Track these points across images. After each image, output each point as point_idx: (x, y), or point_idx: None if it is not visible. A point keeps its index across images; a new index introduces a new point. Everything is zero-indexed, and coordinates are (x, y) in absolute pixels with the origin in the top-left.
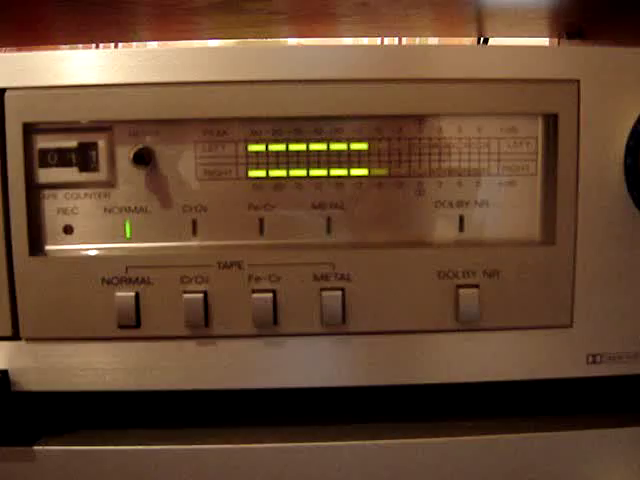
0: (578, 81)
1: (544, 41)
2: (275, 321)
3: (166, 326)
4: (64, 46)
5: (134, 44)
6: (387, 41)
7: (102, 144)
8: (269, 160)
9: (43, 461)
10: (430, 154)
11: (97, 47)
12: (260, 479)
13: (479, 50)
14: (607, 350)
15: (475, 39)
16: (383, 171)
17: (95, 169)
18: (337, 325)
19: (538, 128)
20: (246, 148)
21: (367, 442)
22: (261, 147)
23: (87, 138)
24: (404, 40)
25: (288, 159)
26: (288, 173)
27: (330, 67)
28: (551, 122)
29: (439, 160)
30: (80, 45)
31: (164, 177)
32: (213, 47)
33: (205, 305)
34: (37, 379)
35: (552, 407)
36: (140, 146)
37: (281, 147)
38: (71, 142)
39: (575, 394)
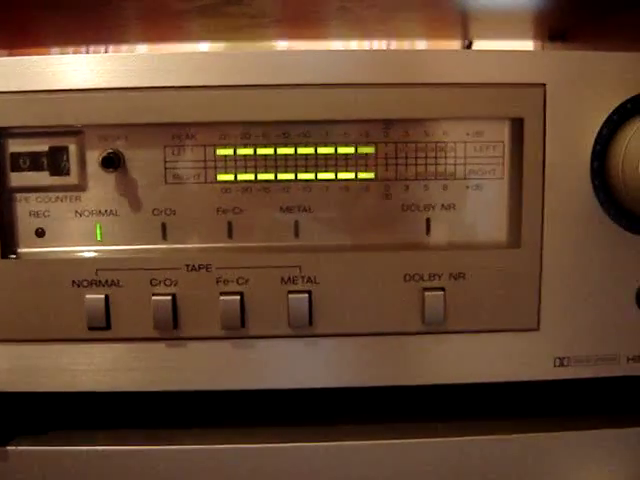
0: (544, 85)
1: (529, 44)
2: (243, 323)
3: (136, 328)
4: (55, 49)
5: (124, 48)
6: (376, 45)
7: (73, 148)
8: (237, 164)
9: (16, 461)
10: (397, 158)
11: (88, 50)
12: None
13: (445, 55)
14: (574, 353)
15: (461, 42)
16: (350, 175)
17: (66, 173)
18: (304, 327)
19: (505, 132)
20: (214, 152)
21: (348, 443)
22: (229, 151)
23: (58, 142)
24: (393, 44)
25: (256, 163)
26: (256, 177)
27: (296, 72)
28: (517, 126)
29: (405, 164)
30: (71, 49)
31: (134, 181)
32: (181, 53)
33: (174, 307)
34: (8, 380)
35: (525, 408)
36: (108, 150)
37: (249, 151)
38: (42, 146)
39: (550, 395)
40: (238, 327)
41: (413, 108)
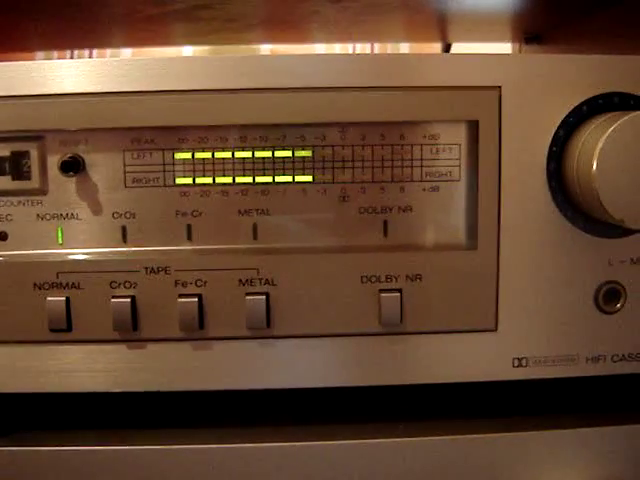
0: (499, 88)
1: (507, 47)
2: (202, 325)
3: (96, 330)
4: (40, 53)
5: (108, 51)
6: (359, 47)
7: (34, 153)
8: (196, 168)
9: None
10: (353, 161)
11: (72, 55)
12: None
13: (402, 59)
14: (533, 354)
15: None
16: (307, 178)
17: (27, 177)
18: (262, 329)
19: (461, 135)
20: (173, 156)
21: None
22: (187, 155)
23: (19, 147)
24: (376, 46)
25: (214, 166)
26: (214, 180)
27: (252, 77)
28: (473, 129)
29: (362, 167)
30: (55, 53)
31: (94, 185)
32: (136, 59)
33: (133, 309)
34: None
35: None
36: (68, 155)
37: (207, 155)
38: (4, 151)
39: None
40: (196, 328)
41: (369, 111)
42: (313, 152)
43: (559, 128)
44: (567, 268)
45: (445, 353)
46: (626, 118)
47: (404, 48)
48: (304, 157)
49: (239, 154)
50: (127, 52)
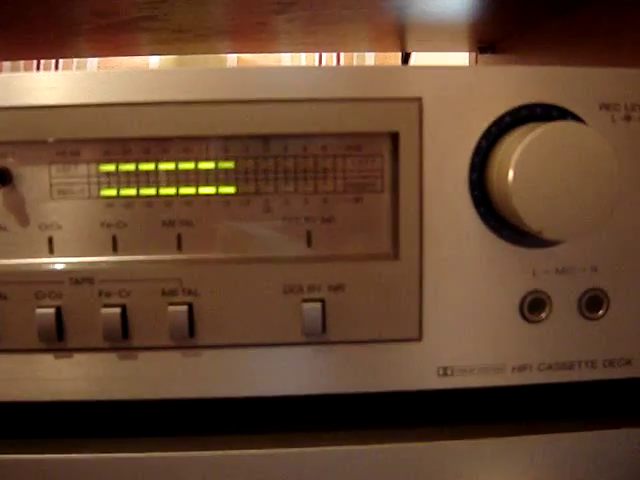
0: (420, 99)
1: (464, 56)
2: (126, 335)
3: (23, 340)
4: (6, 63)
5: (75, 61)
6: (325, 57)
7: None
8: (120, 179)
9: None
10: (276, 172)
11: (39, 64)
12: None
13: (324, 71)
14: (458, 363)
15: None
16: (231, 189)
17: None
18: (185, 339)
19: (383, 146)
20: (98, 168)
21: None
22: (112, 167)
23: None
24: (342, 56)
25: (138, 178)
26: (138, 192)
27: (174, 89)
28: (394, 140)
29: (285, 178)
30: (22, 62)
31: (21, 196)
32: (62, 73)
33: (58, 320)
34: None
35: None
36: None
37: (131, 167)
38: None
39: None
40: (120, 339)
41: (292, 123)
42: (236, 164)
43: (481, 139)
44: (491, 278)
45: (369, 362)
46: (542, 129)
47: (370, 57)
48: (227, 169)
49: (162, 166)
50: (93, 62)
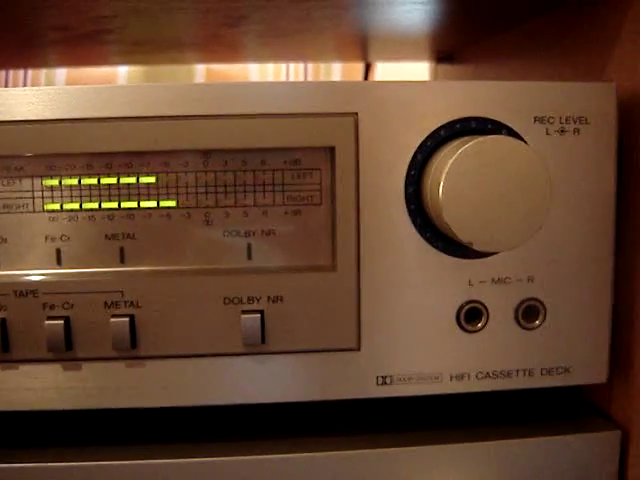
0: (356, 114)
1: (424, 66)
2: (70, 346)
3: None
4: None
5: (43, 71)
6: (292, 67)
7: None
8: (63, 194)
9: None
10: (216, 186)
11: (7, 75)
12: None
13: (262, 86)
14: (397, 372)
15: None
16: (171, 203)
17: None
18: (127, 350)
19: (321, 160)
20: (42, 183)
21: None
22: (55, 182)
23: None
24: (309, 66)
25: (81, 192)
26: (81, 206)
27: (114, 105)
28: (332, 154)
29: (225, 192)
30: None
31: None
32: (1, 89)
33: (4, 331)
34: None
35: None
36: None
37: (74, 181)
38: None
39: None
40: (63, 350)
41: (231, 138)
42: (177, 178)
43: (417, 152)
44: (428, 288)
45: (309, 372)
46: (472, 143)
47: (336, 68)
48: (167, 183)
49: (105, 180)
50: (61, 72)
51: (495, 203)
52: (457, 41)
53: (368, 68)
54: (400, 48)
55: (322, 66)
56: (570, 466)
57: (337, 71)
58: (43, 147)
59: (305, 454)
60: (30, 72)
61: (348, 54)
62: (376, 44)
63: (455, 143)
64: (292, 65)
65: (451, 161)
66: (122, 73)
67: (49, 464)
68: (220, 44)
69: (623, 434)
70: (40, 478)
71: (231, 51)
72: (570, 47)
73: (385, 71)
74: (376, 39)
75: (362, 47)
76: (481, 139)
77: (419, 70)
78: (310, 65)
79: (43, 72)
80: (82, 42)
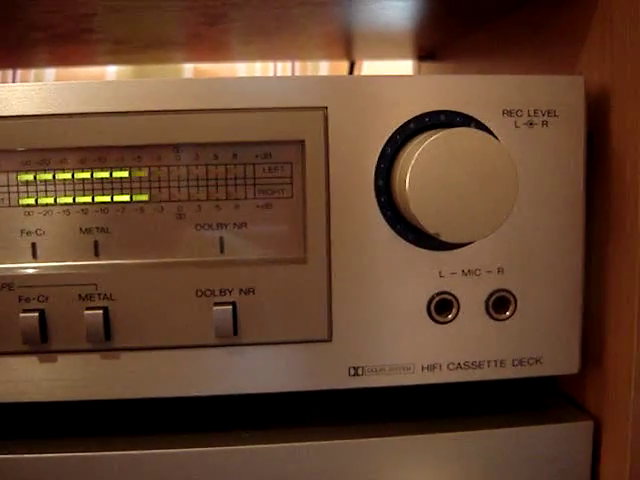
0: (325, 108)
1: (408, 64)
2: (45, 339)
3: None
4: None
5: (32, 72)
6: (280, 66)
7: None
8: (38, 188)
9: None
10: (188, 180)
11: None
12: None
13: (234, 82)
14: (368, 363)
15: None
16: (144, 197)
17: None
18: (101, 342)
19: (292, 153)
20: (17, 178)
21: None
22: (30, 176)
23: None
24: (297, 65)
25: (55, 187)
26: (56, 200)
27: (88, 101)
28: (302, 148)
29: (197, 186)
30: None
31: None
32: None
33: None
34: None
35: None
36: None
37: (48, 176)
38: None
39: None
40: (39, 342)
41: (203, 133)
42: (149, 172)
43: (386, 145)
44: (399, 280)
45: (281, 363)
46: (438, 135)
47: (323, 66)
48: (140, 177)
49: (79, 175)
50: (50, 72)
51: (461, 194)
52: (437, 39)
53: (352, 66)
54: (383, 46)
55: (310, 65)
56: (543, 456)
57: (324, 70)
58: (17, 143)
59: (287, 444)
60: (19, 72)
61: (333, 52)
62: (360, 42)
63: (423, 136)
64: (280, 64)
65: (417, 153)
66: (111, 73)
67: (38, 455)
68: (203, 43)
69: (596, 424)
70: (29, 469)
71: (216, 50)
72: (545, 43)
73: (370, 70)
74: (359, 37)
75: (346, 45)
76: (447, 131)
77: (403, 68)
78: (297, 64)
79: (32, 72)
80: (66, 41)
